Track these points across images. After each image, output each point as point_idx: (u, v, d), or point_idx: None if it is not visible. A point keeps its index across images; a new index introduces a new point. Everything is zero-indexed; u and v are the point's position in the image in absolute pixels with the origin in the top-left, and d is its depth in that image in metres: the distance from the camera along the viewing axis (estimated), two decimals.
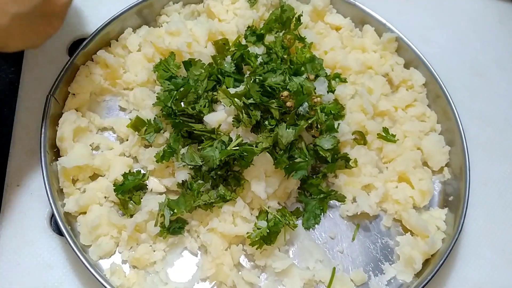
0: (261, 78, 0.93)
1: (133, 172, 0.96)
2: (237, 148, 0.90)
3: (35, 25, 0.84)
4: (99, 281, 0.87)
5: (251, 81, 0.94)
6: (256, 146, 0.90)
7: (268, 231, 0.90)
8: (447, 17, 1.31)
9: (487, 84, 1.22)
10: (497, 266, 1.02)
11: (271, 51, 1.07)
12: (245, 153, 0.90)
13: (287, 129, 0.91)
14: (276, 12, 1.12)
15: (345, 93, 1.08)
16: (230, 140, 0.93)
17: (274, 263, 0.93)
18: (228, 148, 0.91)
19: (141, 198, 0.96)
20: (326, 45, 1.14)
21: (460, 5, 1.33)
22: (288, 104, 0.92)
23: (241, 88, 0.94)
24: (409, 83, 1.14)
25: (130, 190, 0.95)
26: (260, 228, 0.91)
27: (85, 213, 0.95)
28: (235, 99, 0.91)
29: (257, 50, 1.07)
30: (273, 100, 0.93)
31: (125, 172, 0.95)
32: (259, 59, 1.02)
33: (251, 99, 0.91)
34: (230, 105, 0.92)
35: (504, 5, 1.34)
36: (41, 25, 0.85)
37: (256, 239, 0.90)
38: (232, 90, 0.93)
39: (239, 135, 0.92)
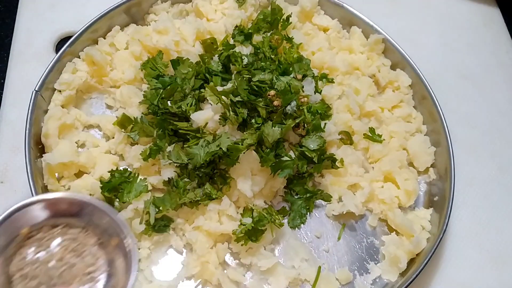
0: (249, 75, 0.94)
1: (120, 169, 0.96)
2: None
3: None
4: None
5: (239, 79, 0.94)
6: (242, 144, 0.90)
7: (252, 225, 0.90)
8: (433, 20, 1.32)
9: (472, 86, 1.24)
10: (481, 266, 1.03)
11: (258, 50, 1.07)
12: (230, 151, 0.90)
13: (273, 128, 0.92)
14: (265, 11, 1.12)
15: (332, 93, 1.08)
16: (215, 139, 0.93)
17: (259, 261, 0.93)
18: (212, 144, 0.91)
19: None
20: (314, 45, 1.14)
21: (446, 9, 1.35)
22: (275, 103, 0.92)
23: (229, 86, 0.94)
24: (396, 85, 1.15)
25: (115, 187, 0.95)
26: (245, 224, 0.91)
27: None
28: (223, 96, 0.92)
29: (245, 49, 1.07)
30: (260, 99, 0.93)
31: (112, 170, 0.95)
32: (245, 60, 1.02)
33: (239, 96, 0.91)
34: (217, 103, 0.92)
35: (489, 9, 1.36)
36: None
37: (241, 234, 0.90)
38: (219, 88, 0.93)
39: (225, 132, 0.92)
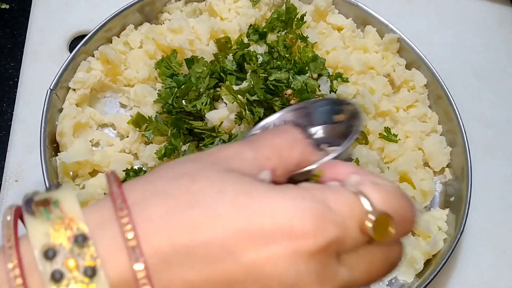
0: (265, 74, 0.93)
1: (135, 168, 0.95)
2: None
3: None
4: None
5: (256, 78, 0.93)
6: None
7: None
8: (448, 19, 1.31)
9: (487, 86, 1.23)
10: (498, 267, 1.02)
11: (273, 49, 1.07)
12: None
13: None
14: (279, 10, 1.11)
15: (347, 93, 1.07)
16: (231, 138, 0.93)
17: None
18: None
19: None
20: (328, 45, 1.13)
21: (461, 8, 1.34)
22: (292, 102, 0.92)
23: (245, 85, 0.94)
24: (411, 84, 1.14)
25: None
26: None
27: None
28: (238, 95, 0.91)
29: (259, 48, 1.06)
30: (277, 98, 0.92)
31: (127, 169, 0.94)
32: (260, 59, 1.02)
33: (255, 95, 0.90)
34: (233, 102, 0.92)
35: (504, 8, 1.35)
36: None
37: None
38: (235, 87, 0.93)
39: (241, 131, 0.92)
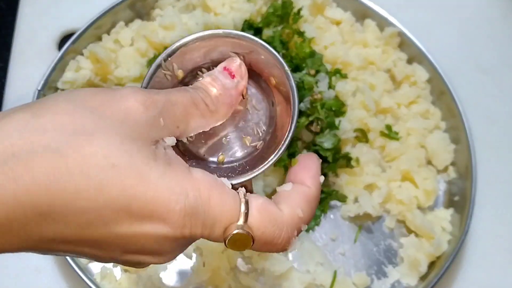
0: None
1: None
2: None
3: None
4: (89, 285, 0.83)
5: None
6: None
7: None
8: (451, 12, 1.27)
9: (492, 81, 1.19)
10: (505, 268, 0.99)
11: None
12: None
13: None
14: (275, 4, 1.08)
15: (346, 89, 1.04)
16: None
17: (272, 266, 0.89)
18: None
19: None
20: (326, 40, 1.10)
21: (464, 1, 1.30)
22: None
23: None
24: (412, 79, 1.10)
25: None
26: None
27: None
28: None
29: None
30: None
31: None
32: None
33: None
34: None
35: (509, 0, 1.31)
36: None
37: None
38: None
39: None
